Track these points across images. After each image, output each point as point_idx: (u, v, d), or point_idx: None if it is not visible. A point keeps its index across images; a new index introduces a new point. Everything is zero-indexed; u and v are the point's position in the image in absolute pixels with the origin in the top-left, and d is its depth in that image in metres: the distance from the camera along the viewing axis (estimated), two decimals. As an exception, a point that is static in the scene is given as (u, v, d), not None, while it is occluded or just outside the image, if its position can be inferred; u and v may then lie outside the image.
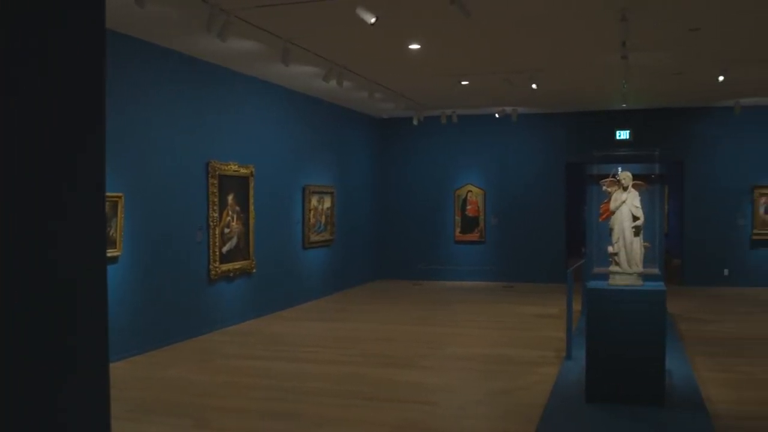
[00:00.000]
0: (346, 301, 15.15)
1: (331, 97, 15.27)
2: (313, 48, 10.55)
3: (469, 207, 18.38)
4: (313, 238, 14.92)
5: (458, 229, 18.41)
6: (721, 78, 12.37)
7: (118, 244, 9.25)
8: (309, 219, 14.67)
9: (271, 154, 13.34)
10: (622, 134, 17.29)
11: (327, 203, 15.51)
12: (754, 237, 16.88)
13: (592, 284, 7.54)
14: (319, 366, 9.23)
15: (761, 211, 16.84)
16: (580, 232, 15.70)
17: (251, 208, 12.45)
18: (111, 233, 9.07)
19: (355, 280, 17.40)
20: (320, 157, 15.46)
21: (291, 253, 14.19)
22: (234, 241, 11.97)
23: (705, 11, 8.85)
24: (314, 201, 14.92)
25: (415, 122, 16.75)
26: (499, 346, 10.45)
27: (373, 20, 8.16)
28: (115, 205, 9.12)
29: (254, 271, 12.56)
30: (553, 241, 17.90)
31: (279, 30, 9.45)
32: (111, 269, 8.85)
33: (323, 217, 15.35)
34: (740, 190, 16.99)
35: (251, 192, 12.44)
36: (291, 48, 9.98)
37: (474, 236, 18.34)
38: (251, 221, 12.44)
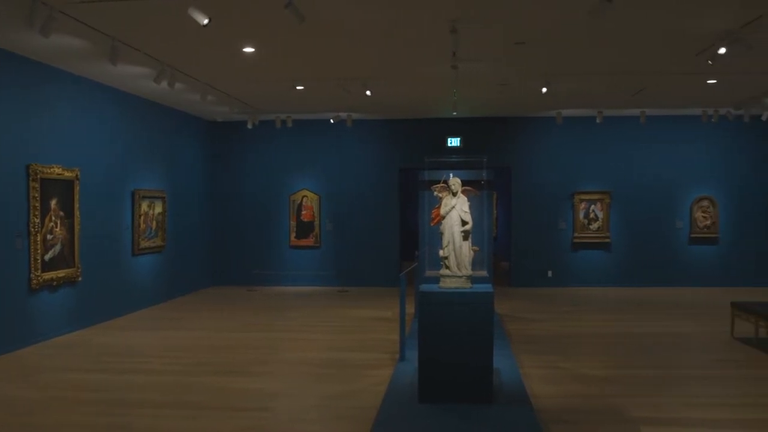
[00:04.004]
0: (178, 308, 14.74)
1: (162, 99, 14.85)
2: (144, 47, 10.22)
3: (304, 212, 18.38)
4: (144, 244, 14.43)
5: (293, 234, 18.37)
6: (544, 89, 13.02)
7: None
8: (139, 224, 14.18)
9: (99, 157, 12.79)
10: (453, 141, 17.89)
11: (158, 208, 15.04)
12: (575, 240, 17.89)
13: (424, 287, 7.71)
14: (150, 377, 8.93)
15: (581, 216, 17.87)
16: (413, 237, 16.04)
17: (77, 213, 11.87)
18: None
19: (188, 287, 16.99)
20: (151, 160, 14.97)
21: (120, 259, 13.66)
22: (58, 248, 11.38)
23: (530, 26, 9.30)
24: (144, 206, 14.43)
25: (249, 126, 16.60)
26: (334, 350, 10.51)
27: (205, 21, 8.00)
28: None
29: (80, 279, 11.99)
30: (387, 246, 18.21)
31: (107, 28, 9.08)
32: None
33: (154, 222, 14.88)
34: (562, 195, 17.98)
35: (76, 196, 11.86)
36: (120, 47, 9.62)
37: (309, 241, 18.35)
38: (77, 227, 11.86)
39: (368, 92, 13.22)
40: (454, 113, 16.81)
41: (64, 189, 11.58)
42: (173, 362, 9.71)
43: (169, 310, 14.44)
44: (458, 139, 17.93)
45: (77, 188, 11.88)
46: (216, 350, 10.51)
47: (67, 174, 11.62)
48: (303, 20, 7.96)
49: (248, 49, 10.45)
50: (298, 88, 13.42)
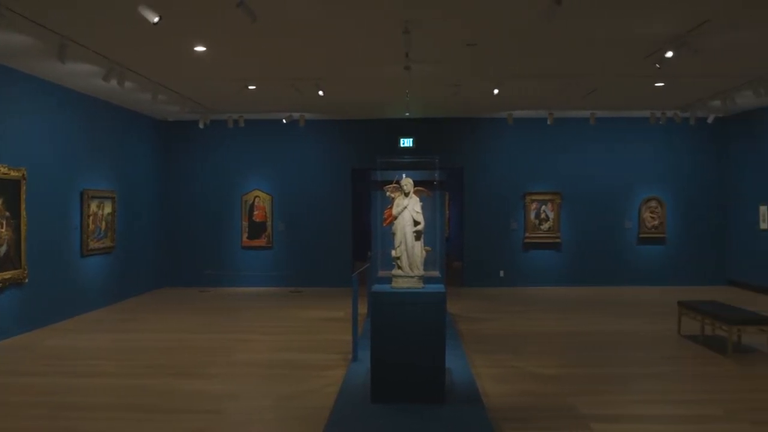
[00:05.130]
0: (129, 310, 14.54)
1: (112, 98, 14.63)
2: (93, 45, 10.07)
3: (256, 212, 18.27)
4: (93, 245, 14.21)
5: (246, 235, 18.24)
6: (495, 91, 13.15)
7: None
8: (88, 225, 13.94)
9: (46, 157, 12.56)
10: (406, 142, 17.94)
11: (108, 208, 14.81)
12: (526, 240, 18.06)
13: (376, 287, 7.72)
14: (99, 379, 8.79)
15: (532, 216, 18.05)
16: (366, 237, 16.04)
17: (23, 213, 11.62)
18: None
19: (139, 289, 16.77)
20: (100, 160, 14.73)
21: (68, 261, 13.42)
22: (3, 249, 11.14)
23: (481, 28, 9.37)
24: (94, 206, 14.20)
25: (201, 126, 16.44)
26: (287, 350, 10.46)
27: (156, 20, 7.91)
28: None
29: (26, 281, 11.76)
30: (339, 246, 18.19)
31: (55, 25, 8.93)
32: None
33: (103, 223, 14.65)
34: (514, 196, 18.14)
35: (23, 196, 11.62)
36: (68, 44, 9.47)
37: (261, 242, 18.24)
38: (23, 227, 11.62)
39: (321, 92, 13.21)
40: (407, 114, 16.87)
41: (10, 189, 11.33)
42: (124, 365, 9.57)
43: (120, 312, 14.23)
44: (411, 139, 17.99)
45: (24, 188, 11.64)
46: (167, 352, 10.39)
47: (14, 174, 11.39)
48: (255, 19, 7.92)
49: (199, 48, 10.36)
50: (250, 87, 13.35)
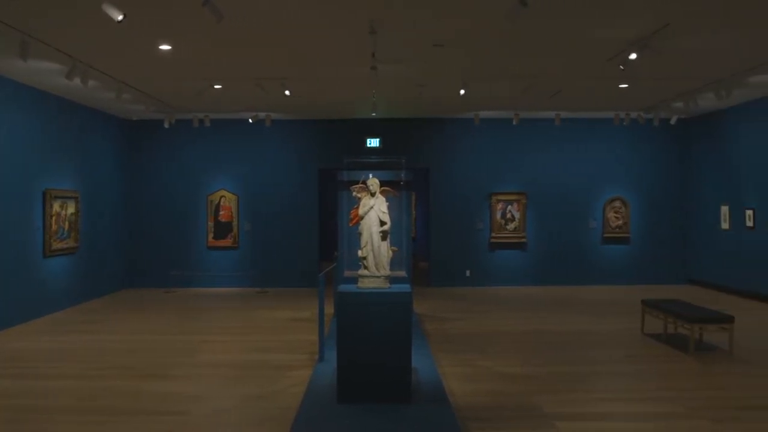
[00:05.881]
0: (93, 311, 14.38)
1: (75, 97, 14.45)
2: (55, 43, 9.94)
3: (222, 212, 18.16)
4: (56, 245, 14.02)
5: (211, 235, 18.13)
6: (462, 92, 13.19)
7: None
8: (50, 225, 13.76)
9: (8, 156, 12.37)
10: (373, 142, 17.95)
11: (71, 208, 14.63)
12: (492, 240, 18.16)
13: (343, 288, 7.71)
14: (62, 382, 8.68)
15: (498, 216, 18.15)
16: (332, 237, 16.02)
17: (-16, 213, 11.48)
18: None
19: (103, 289, 16.60)
20: (63, 159, 14.54)
21: (30, 261, 13.23)
22: (-36, 249, 10.99)
23: (448, 29, 9.40)
24: (56, 206, 14.02)
25: (166, 125, 16.29)
26: (253, 351, 10.41)
27: (120, 17, 7.82)
28: None
29: (-12, 282, 11.60)
30: (306, 246, 18.15)
31: (16, 21, 8.79)
32: None
33: (66, 223, 14.46)
34: (479, 196, 18.23)
35: (-16, 196, 11.48)
36: (30, 42, 9.33)
37: (227, 242, 18.14)
38: (-16, 228, 11.48)
39: (287, 92, 13.17)
40: (374, 114, 16.87)
41: (-30, 189, 11.18)
42: (88, 367, 9.47)
43: (84, 313, 14.07)
44: (377, 139, 18.01)
45: (-16, 188, 11.49)
46: (132, 353, 10.29)
47: (-26, 173, 11.23)
48: (221, 18, 7.87)
49: (164, 47, 10.27)
50: (215, 87, 13.27)
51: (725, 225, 16.64)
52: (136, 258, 18.16)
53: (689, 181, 18.38)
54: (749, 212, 15.54)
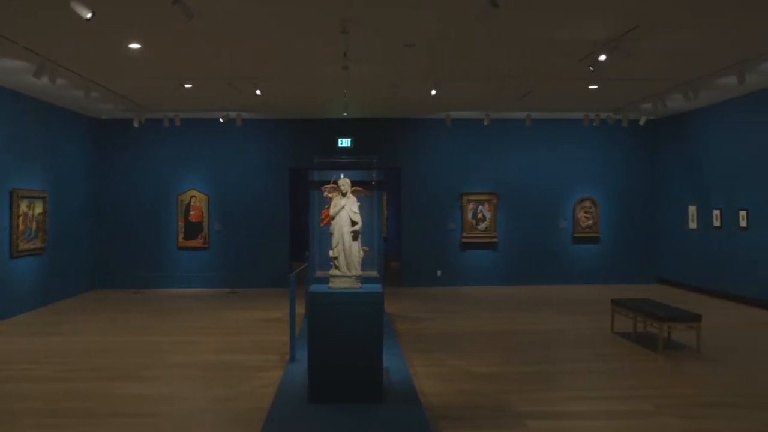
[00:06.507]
0: (62, 312, 14.22)
1: (43, 95, 14.28)
2: (22, 41, 9.82)
3: (192, 212, 18.04)
4: (23, 246, 13.84)
5: (182, 235, 18.00)
6: (433, 92, 13.22)
7: None
8: (17, 225, 13.58)
9: (-26, 155, 12.22)
10: (344, 142, 17.93)
11: (38, 208, 14.45)
12: (463, 240, 18.22)
13: (314, 288, 7.70)
14: (31, 384, 8.56)
15: (469, 216, 18.21)
16: (303, 237, 15.98)
17: (-51, 213, 11.30)
18: None
19: (72, 290, 16.42)
20: (31, 159, 14.35)
21: (-3, 262, 13.08)
22: (-72, 250, 10.81)
23: (419, 29, 9.42)
24: (24, 206, 13.84)
25: (136, 124, 16.14)
26: (224, 352, 10.36)
27: (89, 15, 7.74)
28: None
29: (-47, 283, 11.43)
30: (277, 246, 18.09)
31: (-18, 20, 8.70)
32: None
33: (34, 223, 14.28)
34: (451, 196, 18.29)
35: (-51, 196, 11.30)
36: (-4, 40, 9.23)
37: (198, 242, 18.03)
38: (-51, 228, 11.30)
39: (258, 92, 13.12)
40: (345, 114, 16.86)
41: (-65, 188, 11.00)
42: (57, 368, 9.36)
43: (52, 314, 13.91)
44: (349, 139, 17.99)
45: (-51, 187, 11.31)
46: (102, 355, 10.19)
47: (-61, 172, 11.05)
48: (192, 17, 7.83)
49: (134, 45, 10.19)
50: (186, 86, 13.18)
51: (693, 225, 16.84)
52: (106, 258, 17.98)
53: (658, 181, 18.58)
54: (716, 212, 15.74)
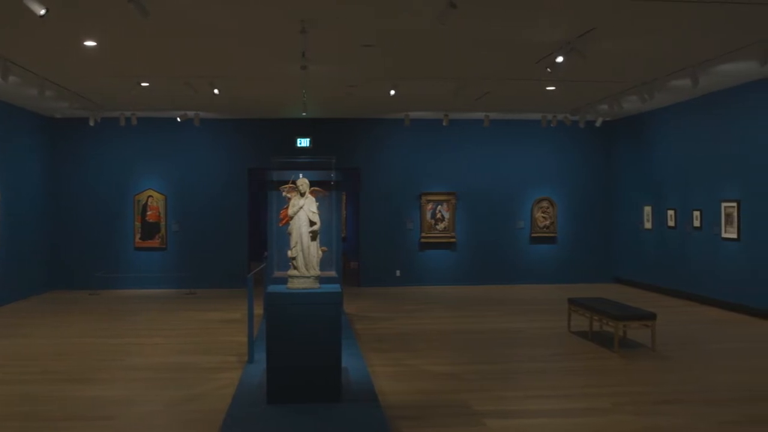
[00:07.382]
0: (14, 314, 13.96)
1: (-5, 94, 14.03)
2: (-27, 38, 9.65)
3: (149, 212, 17.85)
4: (-25, 246, 13.60)
5: (138, 236, 17.80)
6: (392, 92, 13.24)
7: None
8: (-31, 226, 13.35)
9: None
10: (303, 142, 17.88)
11: (-9, 209, 14.20)
12: (422, 240, 18.28)
13: (271, 288, 7.67)
14: (-20, 387, 8.43)
15: (428, 216, 18.28)
16: (262, 237, 15.91)
17: None
18: None
19: (26, 292, 16.13)
20: (-17, 158, 14.10)
21: (-52, 263, 12.82)
22: None
23: (377, 30, 9.42)
24: (-24, 206, 13.59)
25: (91, 123, 15.90)
26: (181, 354, 10.26)
27: (42, 12, 7.60)
28: None
29: None
30: (235, 247, 17.98)
31: (-69, 16, 8.50)
32: None
33: (-14, 223, 14.04)
34: (410, 196, 18.34)
35: None
36: (-54, 37, 9.03)
37: (155, 242, 17.84)
38: None
39: (216, 91, 13.02)
40: (304, 114, 16.80)
41: None
42: (10, 371, 9.19)
43: (6, 316, 13.65)
44: (308, 139, 17.94)
45: None
46: (56, 357, 10.03)
47: None
48: (147, 15, 7.73)
49: (89, 43, 10.04)
50: (142, 84, 13.03)
51: (648, 225, 17.10)
52: (61, 259, 17.71)
53: (614, 181, 18.83)
54: (671, 212, 15.99)
